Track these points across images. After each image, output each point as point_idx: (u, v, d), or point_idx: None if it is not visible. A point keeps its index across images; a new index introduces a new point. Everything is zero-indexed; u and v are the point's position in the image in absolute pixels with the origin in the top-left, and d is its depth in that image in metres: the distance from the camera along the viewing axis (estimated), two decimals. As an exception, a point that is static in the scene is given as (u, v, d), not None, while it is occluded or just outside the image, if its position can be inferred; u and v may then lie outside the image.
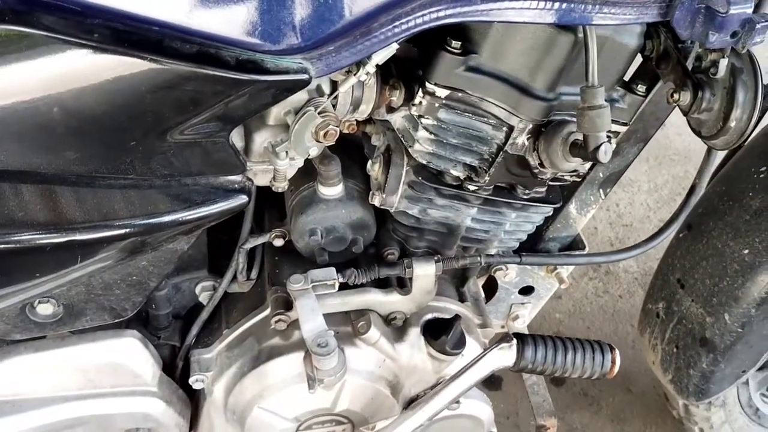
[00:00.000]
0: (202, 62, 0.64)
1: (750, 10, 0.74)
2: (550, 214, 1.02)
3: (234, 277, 1.03)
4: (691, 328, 1.30)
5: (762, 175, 1.21)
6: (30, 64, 0.61)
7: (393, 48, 0.74)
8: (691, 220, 1.31)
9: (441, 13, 0.69)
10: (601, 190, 1.12)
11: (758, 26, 0.74)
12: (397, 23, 0.69)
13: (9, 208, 0.70)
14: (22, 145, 0.66)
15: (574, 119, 0.80)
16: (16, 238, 0.71)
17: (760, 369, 1.52)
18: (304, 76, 0.68)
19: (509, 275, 1.18)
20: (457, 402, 1.01)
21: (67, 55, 0.61)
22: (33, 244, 0.72)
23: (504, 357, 0.92)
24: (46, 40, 0.60)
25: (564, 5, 0.71)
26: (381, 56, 0.74)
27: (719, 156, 1.08)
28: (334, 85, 0.81)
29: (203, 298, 1.06)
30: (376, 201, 0.96)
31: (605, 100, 0.82)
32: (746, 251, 1.20)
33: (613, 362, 0.95)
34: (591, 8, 0.72)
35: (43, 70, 0.62)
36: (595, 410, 1.86)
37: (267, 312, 1.00)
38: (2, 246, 0.71)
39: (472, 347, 1.02)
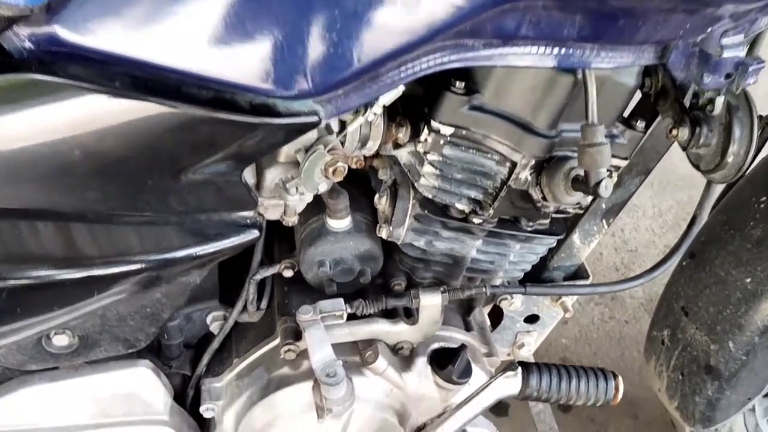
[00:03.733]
0: (218, 107, 0.65)
1: (743, 53, 0.76)
2: (554, 245, 1.03)
3: (244, 308, 1.03)
4: (696, 356, 1.30)
5: (762, 205, 1.22)
6: (54, 109, 0.63)
7: (399, 90, 0.75)
8: (694, 248, 1.31)
9: (445, 59, 0.71)
10: (604, 221, 1.14)
11: (751, 68, 0.76)
12: (403, 68, 0.71)
13: (29, 245, 0.73)
14: (44, 185, 0.69)
15: (576, 154, 0.81)
16: (35, 274, 0.74)
17: (767, 395, 1.51)
18: (314, 119, 0.70)
19: (514, 304, 1.19)
20: (464, 431, 1.00)
21: (89, 101, 0.63)
22: (52, 279, 0.74)
23: (509, 385, 0.93)
24: (69, 87, 0.62)
25: (563, 50, 0.73)
26: (388, 98, 0.76)
27: (719, 187, 1.08)
28: (343, 124, 0.82)
29: (214, 327, 1.07)
30: (384, 233, 0.97)
31: (605, 137, 0.83)
32: (749, 280, 1.20)
33: (617, 389, 0.95)
34: (589, 53, 0.74)
35: (66, 115, 0.64)
36: (602, 437, 1.85)
37: (276, 342, 1.00)
38: (22, 281, 0.73)
39: (478, 376, 1.02)
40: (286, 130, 0.71)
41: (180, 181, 0.73)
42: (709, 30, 0.73)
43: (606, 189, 0.78)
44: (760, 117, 1.30)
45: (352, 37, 0.65)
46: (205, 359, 1.05)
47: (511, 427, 1.82)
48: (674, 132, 0.90)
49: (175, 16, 0.62)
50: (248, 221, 0.82)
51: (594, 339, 2.12)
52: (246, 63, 0.65)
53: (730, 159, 0.88)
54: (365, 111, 0.78)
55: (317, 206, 0.97)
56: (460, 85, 0.80)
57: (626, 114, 0.93)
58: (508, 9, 0.68)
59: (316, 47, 0.65)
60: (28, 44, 0.61)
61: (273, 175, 0.84)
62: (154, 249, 0.78)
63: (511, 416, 1.84)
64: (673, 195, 2.60)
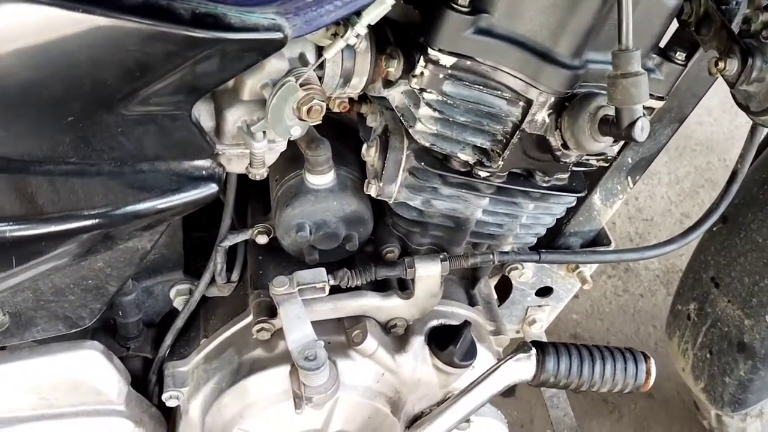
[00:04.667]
0: (150, 16, 0.55)
1: None
2: (573, 204, 0.95)
3: (212, 280, 0.98)
4: (727, 332, 1.25)
5: (809, 160, 1.18)
6: None
7: (387, 3, 0.66)
8: (726, 211, 1.24)
9: None
10: (629, 178, 1.05)
11: None
12: None
13: None
14: None
15: (604, 92, 0.74)
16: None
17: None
18: (278, 35, 0.59)
19: (525, 275, 1.13)
20: (468, 421, 0.95)
21: None
22: None
23: (522, 369, 0.86)
24: None
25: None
26: (373, 14, 0.68)
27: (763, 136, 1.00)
28: (321, 54, 0.73)
29: (178, 303, 1.01)
30: (373, 191, 0.90)
31: (641, 68, 0.75)
32: (791, 246, 1.16)
33: (648, 373, 0.89)
34: None
35: None
36: (617, 418, 1.82)
37: (249, 319, 0.95)
38: None
39: (483, 358, 0.96)
40: (241, 50, 0.60)
41: (111, 117, 0.62)
42: None
43: (642, 131, 0.70)
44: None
45: None
46: (169, 339, 0.99)
47: (519, 408, 1.76)
48: (720, 65, 0.80)
49: None
50: (203, 173, 0.72)
51: (606, 314, 2.07)
52: (184, -45, 0.54)
53: (789, 98, 0.79)
54: (345, 32, 0.68)
55: (295, 160, 0.91)
56: (463, 1, 0.71)
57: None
58: None
59: (274, -66, 0.53)
60: None
61: (235, 117, 0.75)
62: (85, 206, 0.67)
63: (518, 396, 1.80)
64: (690, 161, 2.56)
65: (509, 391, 1.75)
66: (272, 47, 0.60)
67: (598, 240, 1.13)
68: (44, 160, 0.62)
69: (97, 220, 0.66)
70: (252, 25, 0.58)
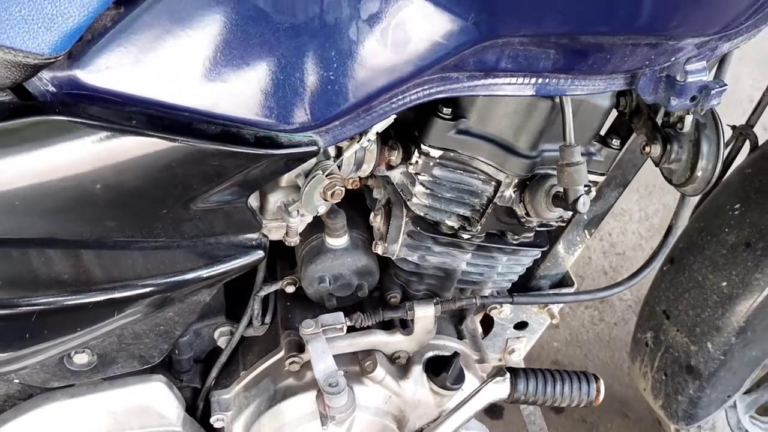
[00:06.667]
0: (226, 141, 0.70)
1: (706, 78, 0.82)
2: (539, 256, 1.08)
3: (250, 323, 1.07)
4: (677, 357, 1.35)
5: (736, 212, 1.28)
6: (76, 147, 0.68)
7: (391, 118, 0.81)
8: (673, 254, 1.38)
9: (432, 90, 0.77)
10: (586, 231, 1.19)
11: (713, 91, 0.82)
12: (393, 100, 0.76)
13: (55, 272, 0.77)
14: (68, 216, 0.74)
15: (556, 173, 0.85)
16: (60, 299, 0.78)
17: (748, 392, 1.59)
18: (314, 148, 0.75)
19: (504, 312, 1.22)
20: None
21: (108, 138, 0.68)
22: (75, 302, 0.79)
23: (498, 390, 0.97)
24: (91, 127, 0.67)
25: (540, 80, 0.79)
26: (380, 126, 0.81)
27: (693, 199, 1.13)
28: (339, 150, 0.88)
29: (221, 342, 1.10)
30: (379, 250, 1.01)
31: (583, 154, 0.90)
32: (724, 283, 1.26)
33: (598, 391, 1.00)
34: (564, 81, 0.79)
35: (88, 152, 0.69)
36: (595, 436, 1.90)
37: (281, 354, 1.04)
38: (49, 305, 0.78)
39: (470, 382, 1.05)
40: (287, 160, 0.76)
41: (191, 208, 0.78)
42: (673, 59, 0.79)
43: (584, 205, 0.83)
44: (734, 127, 1.37)
45: (347, 75, 0.71)
46: (214, 372, 1.08)
47: (507, 430, 1.86)
48: (647, 149, 0.96)
49: (185, 59, 0.67)
50: (253, 242, 0.87)
51: (584, 341, 2.15)
52: (251, 100, 0.70)
53: (699, 173, 0.94)
54: (360, 138, 0.83)
55: (316, 225, 1.01)
56: (447, 111, 0.86)
57: (604, 131, 0.99)
58: (488, 45, 0.74)
59: (314, 85, 0.71)
60: (51, 87, 0.66)
61: (275, 199, 0.89)
62: (168, 272, 0.82)
63: (505, 419, 1.90)
64: (659, 199, 2.64)
65: (498, 414, 1.90)
66: (309, 156, 0.75)
67: (563, 282, 1.24)
68: (141, 240, 0.80)
69: (177, 283, 0.82)
70: (296, 142, 0.73)
